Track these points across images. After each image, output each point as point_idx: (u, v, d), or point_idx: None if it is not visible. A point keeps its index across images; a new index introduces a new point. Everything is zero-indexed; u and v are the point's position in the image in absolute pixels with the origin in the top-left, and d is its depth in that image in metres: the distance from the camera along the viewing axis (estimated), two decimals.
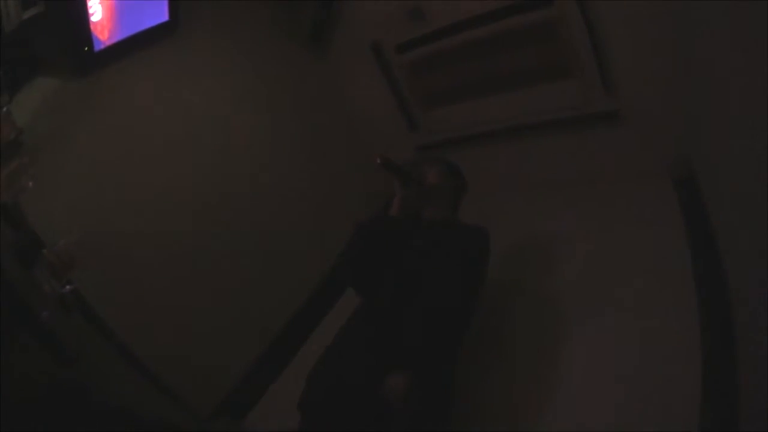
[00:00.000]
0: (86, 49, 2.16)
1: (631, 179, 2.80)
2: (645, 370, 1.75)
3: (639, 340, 1.87)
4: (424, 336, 1.74)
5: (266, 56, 3.22)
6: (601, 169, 3.00)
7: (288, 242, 3.04)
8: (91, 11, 2.14)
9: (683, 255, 2.16)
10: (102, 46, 2.24)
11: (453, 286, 1.85)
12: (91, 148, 2.27)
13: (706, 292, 1.93)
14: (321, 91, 3.60)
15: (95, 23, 2.19)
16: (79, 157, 2.21)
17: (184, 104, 2.70)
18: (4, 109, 1.76)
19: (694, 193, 2.39)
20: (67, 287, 1.76)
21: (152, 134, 2.53)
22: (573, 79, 2.80)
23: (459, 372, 1.91)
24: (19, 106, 1.97)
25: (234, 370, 2.60)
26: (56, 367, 1.69)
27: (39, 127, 2.05)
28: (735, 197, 1.74)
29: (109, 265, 2.17)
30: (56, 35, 2.10)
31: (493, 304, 2.31)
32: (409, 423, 1.66)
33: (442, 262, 1.91)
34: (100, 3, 2.17)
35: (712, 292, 1.89)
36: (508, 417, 1.88)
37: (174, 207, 2.54)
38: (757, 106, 1.26)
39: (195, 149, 2.70)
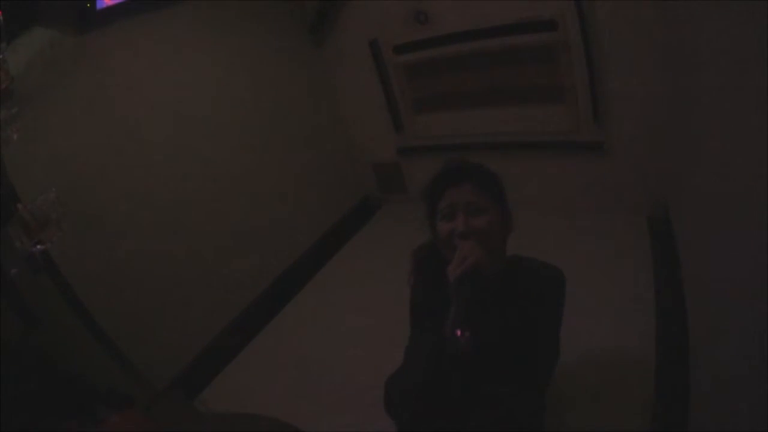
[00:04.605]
0: (88, 5, 2.13)
1: (607, 211, 2.86)
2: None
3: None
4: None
5: (265, 36, 3.21)
6: (577, 197, 3.05)
7: (259, 228, 3.05)
8: None
9: (648, 294, 2.22)
10: (104, 6, 2.21)
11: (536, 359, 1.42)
12: (80, 107, 2.23)
13: (666, 331, 2.00)
14: (313, 78, 3.60)
15: None
16: (66, 114, 2.18)
17: (177, 74, 2.67)
18: (0, 56, 1.72)
19: (667, 233, 2.46)
20: (38, 247, 1.74)
21: (141, 101, 2.49)
22: (564, 105, 2.84)
23: None
24: (14, 53, 1.93)
25: (192, 348, 2.60)
26: (19, 325, 1.67)
27: (30, 78, 2.01)
28: (705, 245, 1.79)
29: (82, 229, 2.14)
30: None
31: None
32: None
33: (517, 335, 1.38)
34: None
35: (673, 333, 1.96)
36: None
37: (154, 178, 2.52)
38: (734, 159, 1.31)
39: (181, 121, 2.67)
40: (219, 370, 2.59)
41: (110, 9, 2.25)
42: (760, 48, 0.98)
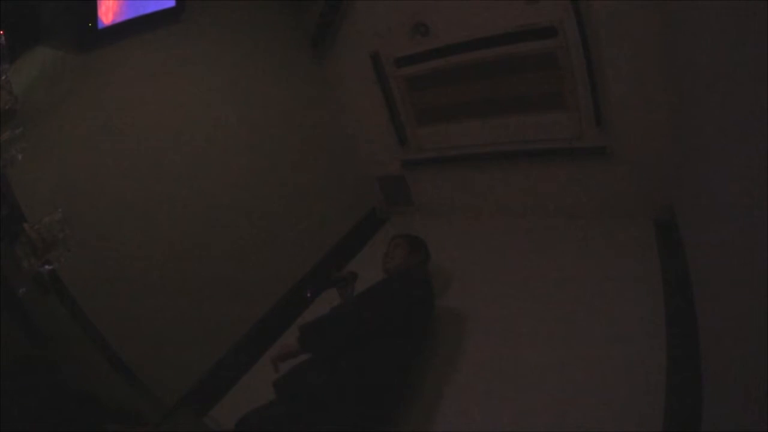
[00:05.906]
0: (90, 24, 2.14)
1: (614, 216, 2.84)
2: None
3: (605, 373, 1.91)
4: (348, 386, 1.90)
5: (265, 54, 3.22)
6: (582, 202, 3.04)
7: (268, 243, 3.06)
8: None
9: (656, 297, 2.20)
10: (105, 25, 2.22)
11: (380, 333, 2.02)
12: (83, 126, 2.24)
13: (676, 333, 1.98)
14: (316, 94, 3.62)
15: (102, 2, 2.17)
16: (70, 133, 2.19)
17: (178, 92, 2.68)
18: (4, 77, 1.73)
19: (674, 236, 2.45)
20: (46, 267, 1.74)
21: (144, 119, 2.50)
22: (567, 111, 2.83)
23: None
24: (17, 73, 1.94)
25: (202, 366, 2.60)
26: (28, 344, 1.66)
27: (33, 97, 2.01)
28: (712, 247, 1.78)
29: (89, 248, 2.13)
30: (63, 6, 2.07)
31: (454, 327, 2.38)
32: None
33: (374, 312, 2.09)
34: None
35: (682, 334, 1.94)
36: None
37: (159, 196, 2.52)
38: (739, 159, 1.30)
39: (185, 138, 2.68)
40: (229, 387, 2.57)
41: (111, 28, 2.27)
42: (762, 48, 0.98)
